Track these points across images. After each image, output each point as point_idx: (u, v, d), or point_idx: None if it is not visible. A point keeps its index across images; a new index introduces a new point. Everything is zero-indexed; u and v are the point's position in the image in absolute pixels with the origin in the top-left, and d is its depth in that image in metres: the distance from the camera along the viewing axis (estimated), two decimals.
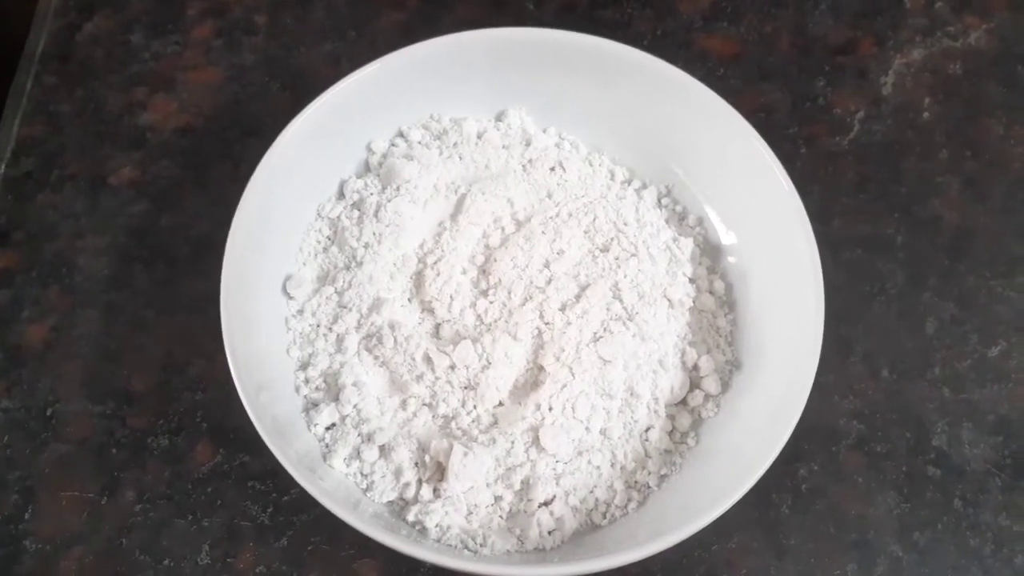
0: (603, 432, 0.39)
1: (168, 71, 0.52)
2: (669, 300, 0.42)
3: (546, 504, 0.38)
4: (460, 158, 0.45)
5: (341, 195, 0.45)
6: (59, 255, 0.47)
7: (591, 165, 0.46)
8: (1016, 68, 0.53)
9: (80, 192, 0.48)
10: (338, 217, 0.44)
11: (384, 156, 0.45)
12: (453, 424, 0.39)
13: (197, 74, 0.52)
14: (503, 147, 0.46)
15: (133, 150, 0.49)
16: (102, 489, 0.41)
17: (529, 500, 0.38)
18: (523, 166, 0.45)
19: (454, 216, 0.43)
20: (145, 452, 0.42)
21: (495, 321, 0.40)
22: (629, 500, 0.38)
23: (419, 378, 0.39)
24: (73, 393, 0.43)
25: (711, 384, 0.41)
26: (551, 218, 0.43)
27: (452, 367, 0.39)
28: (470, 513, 0.37)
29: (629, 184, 0.46)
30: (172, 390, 0.44)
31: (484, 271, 0.42)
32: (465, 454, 0.37)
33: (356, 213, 0.43)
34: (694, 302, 0.42)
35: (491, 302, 0.41)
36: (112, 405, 0.43)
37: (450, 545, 0.36)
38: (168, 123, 0.50)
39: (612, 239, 0.42)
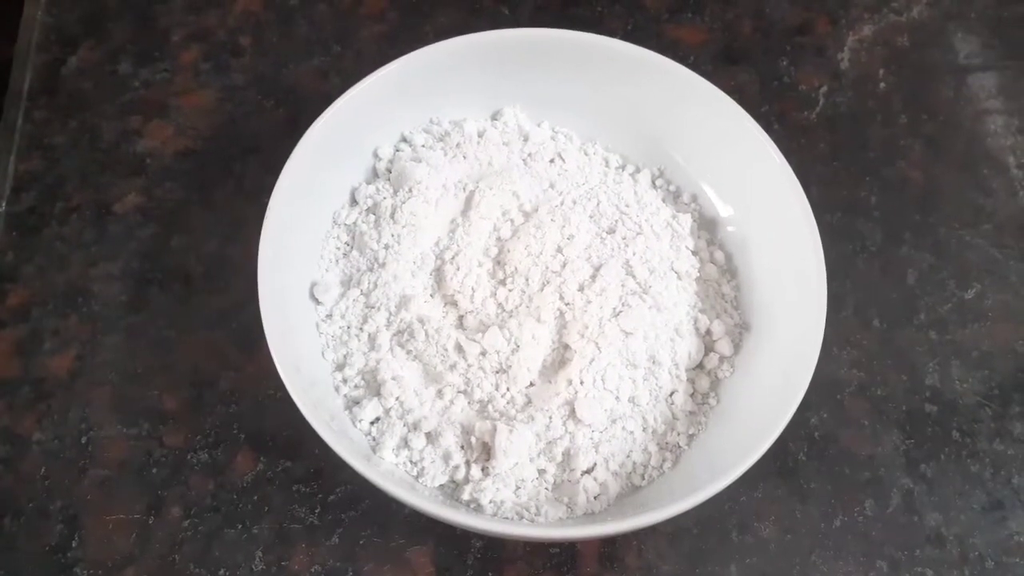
0: (632, 399, 0.41)
1: (160, 97, 0.52)
2: (676, 272, 0.44)
3: (588, 472, 0.40)
4: (464, 157, 0.47)
5: (354, 201, 0.46)
6: (73, 285, 0.47)
7: (587, 154, 0.49)
8: (956, 36, 0.58)
9: (86, 222, 0.49)
10: (355, 223, 0.45)
11: (391, 161, 0.47)
12: (490, 407, 0.41)
13: (190, 98, 0.52)
14: (503, 144, 0.48)
15: (135, 176, 0.50)
16: (147, 509, 0.42)
17: (572, 470, 0.40)
18: (524, 160, 0.47)
19: (465, 212, 0.45)
20: (186, 468, 0.43)
21: (516, 307, 0.42)
22: (664, 460, 0.41)
23: (452, 367, 0.41)
24: (105, 419, 0.44)
25: (724, 346, 0.43)
26: (557, 206, 0.45)
27: (483, 353, 0.41)
28: (518, 488, 0.39)
29: (623, 169, 0.49)
30: (204, 405, 0.44)
31: (499, 262, 0.44)
32: (511, 431, 0.39)
33: (372, 217, 0.45)
34: (699, 272, 0.45)
35: (510, 290, 0.43)
36: (147, 426, 0.44)
37: (506, 518, 0.38)
38: (167, 147, 0.51)
39: (617, 221, 0.45)
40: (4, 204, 0.49)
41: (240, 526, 0.42)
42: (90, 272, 0.47)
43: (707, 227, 0.47)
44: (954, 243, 0.50)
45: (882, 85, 0.56)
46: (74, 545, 0.41)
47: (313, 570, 0.41)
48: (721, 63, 0.56)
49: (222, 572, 0.41)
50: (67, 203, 0.49)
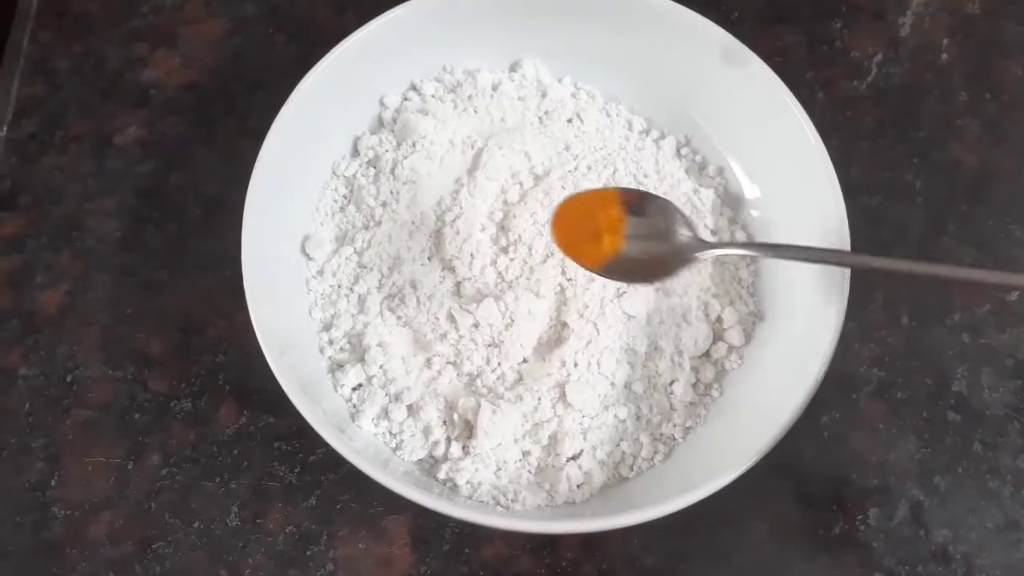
0: (627, 386, 0.39)
1: (169, 25, 0.50)
2: None
3: (574, 458, 0.38)
4: (475, 111, 0.44)
5: (355, 152, 0.44)
6: (68, 218, 0.46)
7: (608, 116, 0.45)
8: None
9: (86, 153, 0.47)
10: (354, 175, 0.43)
11: (397, 111, 0.44)
12: (478, 382, 0.39)
13: (198, 27, 0.50)
14: (519, 99, 0.45)
15: (137, 108, 0.48)
16: (127, 454, 0.41)
17: (557, 455, 0.38)
18: (539, 118, 0.44)
19: (471, 172, 0.42)
20: (168, 416, 0.42)
21: (516, 278, 0.40)
22: (655, 452, 0.39)
23: (443, 337, 0.39)
24: (92, 358, 0.43)
25: (734, 336, 0.41)
26: (570, 172, 0.42)
27: (476, 325, 0.39)
28: (499, 469, 0.38)
29: (647, 134, 0.46)
30: (192, 352, 0.43)
31: (503, 228, 0.41)
32: (494, 411, 0.37)
33: (372, 171, 0.42)
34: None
35: (512, 259, 0.40)
36: (132, 370, 0.43)
37: (482, 501, 0.37)
38: (171, 79, 0.49)
39: None
40: (5, 129, 0.47)
41: (218, 479, 0.41)
42: (86, 206, 0.46)
43: (731, 204, 0.44)
44: (1002, 238, 0.46)
45: (944, 56, 0.51)
46: (53, 484, 0.41)
47: (288, 530, 0.40)
48: (768, 21, 0.51)
49: (196, 524, 0.40)
50: (67, 132, 0.47)
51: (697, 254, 0.36)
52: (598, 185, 0.42)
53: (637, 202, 0.37)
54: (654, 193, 0.39)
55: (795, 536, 0.41)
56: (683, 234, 0.37)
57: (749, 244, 0.41)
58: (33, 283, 0.44)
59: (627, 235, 0.36)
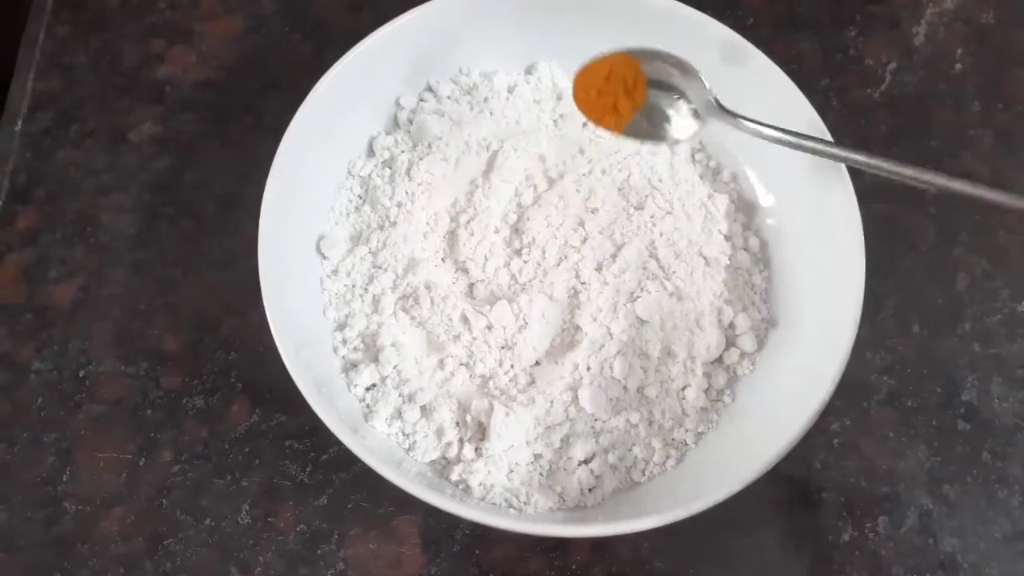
0: (640, 391, 0.39)
1: (185, 22, 0.50)
2: (705, 258, 0.42)
3: (586, 462, 0.38)
4: (491, 113, 0.44)
5: (371, 152, 0.44)
6: (83, 213, 0.46)
7: None
8: None
9: (101, 148, 0.47)
10: (369, 176, 0.43)
11: (413, 112, 0.44)
12: (491, 384, 0.39)
13: (215, 24, 0.50)
14: (534, 101, 0.45)
15: (153, 104, 0.48)
16: (139, 450, 0.42)
17: (568, 458, 0.38)
18: (555, 121, 0.44)
19: (486, 174, 0.42)
20: (180, 412, 0.42)
21: (529, 281, 0.40)
22: (667, 458, 0.39)
23: (456, 338, 0.39)
24: (105, 354, 0.43)
25: (747, 342, 0.41)
26: (584, 175, 0.42)
27: (489, 327, 0.39)
28: (511, 471, 0.38)
29: None
30: (204, 350, 0.43)
31: (517, 230, 0.41)
32: (506, 414, 0.37)
33: (388, 171, 0.43)
34: (730, 260, 0.42)
35: (525, 262, 0.41)
36: (145, 366, 0.43)
37: (494, 503, 0.37)
38: (188, 76, 0.49)
39: (647, 196, 0.42)
40: (20, 123, 0.48)
41: (229, 477, 0.41)
42: (101, 201, 0.46)
43: (745, 210, 0.44)
44: (1013, 249, 0.46)
45: (958, 66, 0.51)
46: (64, 479, 0.41)
47: (299, 529, 0.40)
48: (783, 28, 0.52)
49: (208, 521, 0.40)
50: (83, 126, 0.48)
51: (712, 118, 0.38)
52: (612, 190, 0.42)
53: (656, 61, 0.39)
54: (671, 52, 0.40)
55: (804, 543, 0.41)
56: (700, 95, 0.38)
57: (762, 123, 0.40)
58: (47, 277, 0.45)
59: (647, 94, 0.38)
